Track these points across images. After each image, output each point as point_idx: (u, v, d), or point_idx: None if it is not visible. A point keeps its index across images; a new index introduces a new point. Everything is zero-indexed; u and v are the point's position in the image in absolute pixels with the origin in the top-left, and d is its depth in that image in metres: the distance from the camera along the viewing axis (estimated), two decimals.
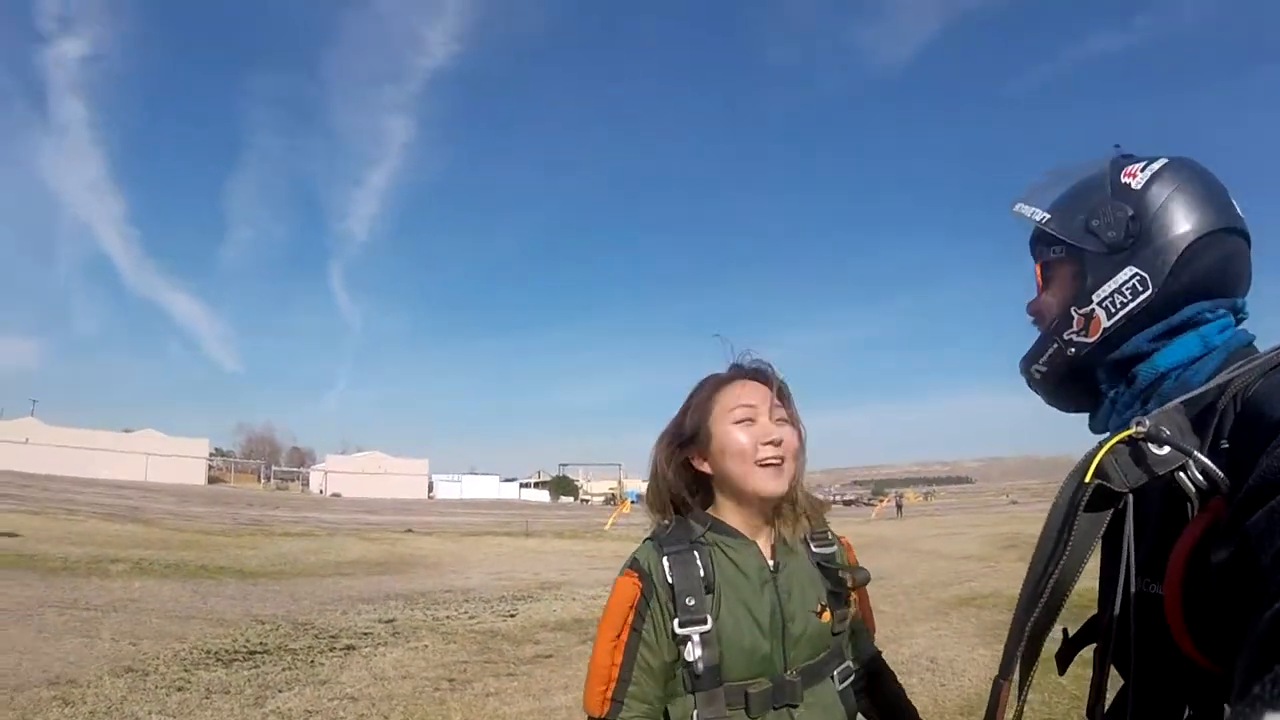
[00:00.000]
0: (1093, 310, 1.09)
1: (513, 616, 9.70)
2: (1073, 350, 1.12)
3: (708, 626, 1.35)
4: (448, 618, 9.46)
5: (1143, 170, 1.09)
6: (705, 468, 1.50)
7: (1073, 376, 1.15)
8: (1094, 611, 1.09)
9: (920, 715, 1.63)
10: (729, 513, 1.49)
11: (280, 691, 5.77)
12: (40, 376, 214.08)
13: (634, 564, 1.45)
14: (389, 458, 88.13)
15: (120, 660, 6.41)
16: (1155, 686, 0.91)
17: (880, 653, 1.67)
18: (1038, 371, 1.18)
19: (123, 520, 20.49)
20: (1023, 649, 0.97)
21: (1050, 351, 1.15)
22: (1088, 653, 1.13)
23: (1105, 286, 1.08)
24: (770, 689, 1.37)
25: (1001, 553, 19.18)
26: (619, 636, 1.40)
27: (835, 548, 1.54)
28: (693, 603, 1.36)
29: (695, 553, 1.42)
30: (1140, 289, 1.05)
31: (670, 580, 1.39)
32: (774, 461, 1.42)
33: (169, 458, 67.20)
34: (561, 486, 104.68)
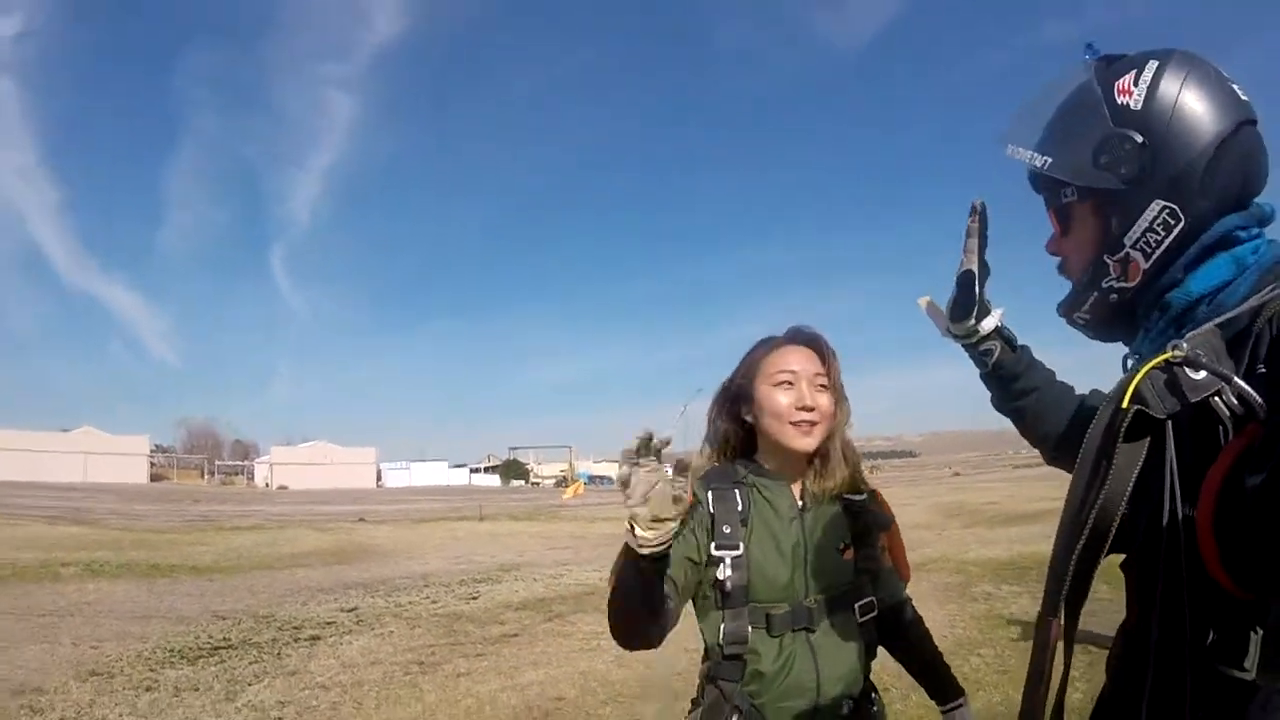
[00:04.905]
0: (1127, 254, 1.06)
1: (475, 599, 9.78)
2: (1114, 297, 1.10)
3: (739, 551, 1.58)
4: (410, 603, 9.50)
5: (1136, 84, 1.04)
6: (751, 419, 1.72)
7: (1116, 317, 1.13)
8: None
9: (939, 660, 1.81)
10: (769, 458, 1.71)
11: (250, 685, 5.79)
12: None
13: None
14: (336, 447, 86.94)
15: (84, 664, 6.36)
16: (1183, 609, 0.89)
17: (909, 598, 1.84)
18: (1081, 318, 1.17)
19: (68, 522, 19.94)
20: (1068, 585, 0.91)
21: (1092, 300, 1.13)
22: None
23: (1135, 228, 1.04)
24: (789, 612, 1.58)
25: (947, 520, 19.87)
26: None
27: (865, 495, 1.73)
28: (728, 530, 1.59)
29: (736, 490, 1.65)
30: (1172, 222, 1.01)
31: (711, 510, 1.62)
32: (806, 423, 1.63)
33: (109, 456, 65.57)
34: (512, 470, 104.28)
